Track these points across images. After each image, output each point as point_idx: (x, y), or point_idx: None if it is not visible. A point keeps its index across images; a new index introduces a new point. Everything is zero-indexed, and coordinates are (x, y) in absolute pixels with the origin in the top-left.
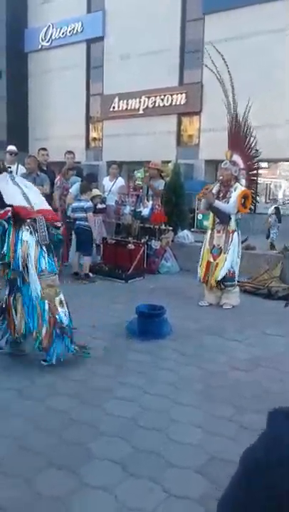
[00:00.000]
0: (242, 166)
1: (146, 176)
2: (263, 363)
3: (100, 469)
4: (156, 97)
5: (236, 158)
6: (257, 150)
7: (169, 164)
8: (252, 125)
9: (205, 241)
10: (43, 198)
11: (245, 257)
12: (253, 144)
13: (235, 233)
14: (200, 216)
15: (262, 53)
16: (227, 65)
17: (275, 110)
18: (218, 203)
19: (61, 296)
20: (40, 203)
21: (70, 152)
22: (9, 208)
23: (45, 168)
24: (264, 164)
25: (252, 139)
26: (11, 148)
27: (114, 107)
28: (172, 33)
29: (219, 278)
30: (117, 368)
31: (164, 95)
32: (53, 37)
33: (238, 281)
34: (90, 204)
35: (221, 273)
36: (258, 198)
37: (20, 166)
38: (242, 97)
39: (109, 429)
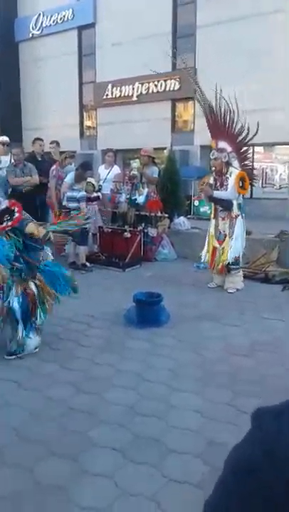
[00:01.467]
0: (230, 149)
1: (144, 159)
2: (261, 347)
3: (100, 456)
4: (149, 83)
5: (222, 144)
6: (241, 125)
7: (164, 151)
8: (233, 108)
9: (209, 228)
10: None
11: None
12: (235, 123)
13: (239, 217)
14: (196, 203)
15: (255, 36)
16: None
17: (269, 94)
18: (217, 193)
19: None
20: None
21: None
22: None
23: (40, 159)
24: (259, 149)
25: (233, 118)
26: (3, 138)
27: (107, 95)
28: (164, 18)
29: (228, 261)
30: (115, 356)
31: (158, 81)
32: (44, 25)
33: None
34: (82, 193)
35: (230, 256)
36: (255, 179)
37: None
38: (235, 81)
39: (108, 416)
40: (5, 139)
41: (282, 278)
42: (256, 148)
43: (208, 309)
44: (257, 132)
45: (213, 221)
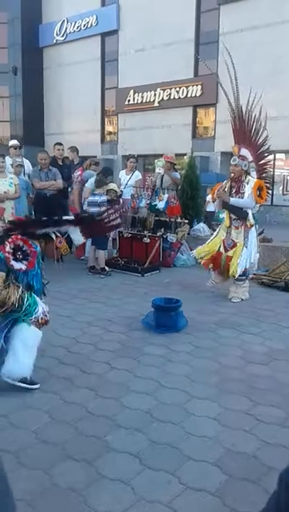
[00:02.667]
0: (251, 158)
1: (166, 165)
2: (279, 356)
3: (117, 462)
4: (171, 89)
5: (244, 152)
6: (267, 137)
7: (185, 157)
8: (262, 115)
9: (219, 232)
10: None
11: (262, 250)
12: (260, 133)
13: (253, 228)
14: (220, 209)
15: (277, 43)
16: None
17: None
18: (234, 200)
19: None
20: None
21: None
22: None
23: (60, 163)
24: (280, 155)
25: (259, 129)
26: (14, 142)
27: (129, 100)
28: (187, 25)
29: (238, 273)
30: (133, 361)
31: (180, 87)
32: (68, 31)
33: (254, 274)
34: (103, 198)
35: (239, 269)
36: (270, 189)
37: (24, 159)
38: (257, 88)
39: (126, 422)
40: (15, 142)
41: None
42: (277, 155)
43: (226, 316)
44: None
45: (224, 229)
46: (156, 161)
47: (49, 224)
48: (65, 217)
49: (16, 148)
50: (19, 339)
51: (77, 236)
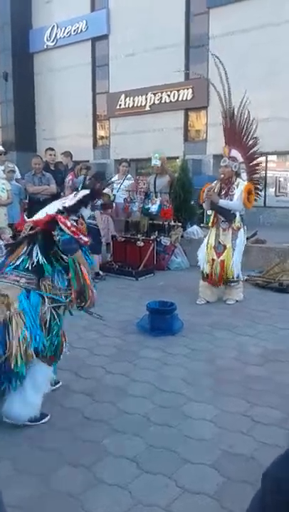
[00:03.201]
0: (241, 160)
1: (158, 167)
2: (275, 357)
3: (115, 466)
4: (162, 93)
5: (234, 153)
6: (256, 138)
7: (177, 160)
8: (251, 117)
9: (208, 238)
10: (58, 206)
11: (256, 251)
12: (251, 134)
13: (241, 229)
14: (209, 212)
15: (268, 46)
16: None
17: (282, 103)
18: (223, 202)
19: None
20: (46, 211)
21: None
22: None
23: (52, 168)
24: (273, 157)
25: (250, 130)
26: None
27: (120, 105)
28: (177, 29)
29: (234, 276)
30: (128, 364)
31: (171, 91)
32: (58, 36)
33: (248, 275)
34: (98, 202)
35: (234, 271)
36: (261, 191)
37: (10, 164)
38: (249, 90)
39: (122, 426)
40: (0, 148)
41: None
42: (270, 157)
43: (221, 318)
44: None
45: (213, 230)
46: (152, 153)
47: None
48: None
49: (0, 154)
50: (28, 377)
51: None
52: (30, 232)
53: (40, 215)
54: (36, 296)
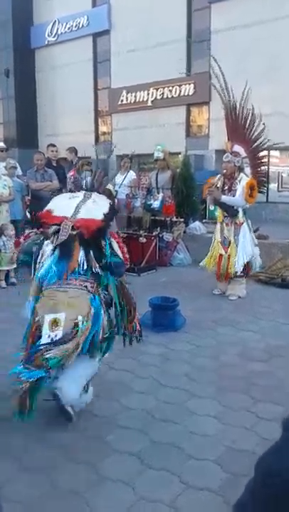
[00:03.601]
0: (244, 154)
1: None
2: (278, 352)
3: (119, 462)
4: (164, 88)
5: (237, 148)
6: (262, 129)
7: (179, 155)
8: (255, 112)
9: (215, 233)
10: (99, 212)
11: (258, 247)
12: (254, 128)
13: (244, 224)
14: (211, 207)
15: (269, 41)
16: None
17: (284, 98)
18: (225, 198)
19: (58, 316)
20: (87, 213)
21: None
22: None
23: (54, 164)
24: (275, 153)
25: (252, 124)
26: (0, 144)
27: (122, 100)
28: (178, 24)
29: (238, 270)
30: (132, 361)
31: (172, 86)
32: (59, 32)
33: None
34: None
35: (238, 266)
36: (265, 185)
37: (11, 161)
38: (251, 85)
39: (126, 422)
40: (1, 145)
41: None
42: (272, 152)
43: (224, 314)
44: (278, 143)
45: (218, 225)
46: (155, 145)
47: None
48: None
49: (2, 151)
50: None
51: None
52: (73, 232)
53: (71, 211)
54: (98, 300)
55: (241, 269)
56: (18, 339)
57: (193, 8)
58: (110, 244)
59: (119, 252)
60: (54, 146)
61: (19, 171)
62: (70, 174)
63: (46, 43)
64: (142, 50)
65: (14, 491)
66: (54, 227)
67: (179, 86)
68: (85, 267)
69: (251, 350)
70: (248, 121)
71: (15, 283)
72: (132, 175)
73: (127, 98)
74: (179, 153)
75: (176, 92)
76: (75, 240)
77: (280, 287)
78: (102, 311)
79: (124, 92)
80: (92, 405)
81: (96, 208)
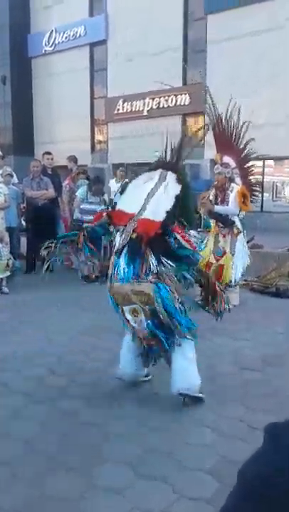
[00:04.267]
0: (234, 165)
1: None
2: (272, 361)
3: (111, 471)
4: (160, 98)
5: (227, 159)
6: (249, 140)
7: None
8: (245, 122)
9: (207, 242)
10: (162, 209)
11: (253, 256)
12: (242, 138)
13: (241, 235)
14: (206, 217)
15: (264, 52)
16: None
17: (278, 108)
18: (218, 208)
19: (133, 306)
20: (152, 209)
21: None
22: (103, 211)
23: (50, 172)
24: (270, 162)
25: (240, 134)
26: None
27: (118, 109)
28: (175, 34)
29: (234, 280)
30: None
31: (168, 96)
32: (56, 41)
33: (245, 280)
34: (103, 207)
35: (236, 276)
36: (258, 193)
37: (8, 168)
38: (246, 95)
39: (119, 430)
40: None
41: None
42: (267, 162)
43: (218, 323)
44: (265, 157)
45: (212, 237)
46: (153, 151)
47: None
48: None
49: None
50: (180, 354)
51: None
52: (135, 235)
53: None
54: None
55: (236, 279)
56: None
57: (189, 18)
58: (176, 238)
59: (186, 244)
60: (50, 153)
61: (15, 179)
62: (66, 183)
63: (43, 51)
64: (139, 59)
65: (5, 499)
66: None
67: (175, 96)
68: (154, 264)
69: (246, 359)
70: (235, 132)
71: (7, 292)
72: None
73: (123, 107)
74: None
75: (172, 101)
76: (140, 241)
77: (274, 296)
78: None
79: (120, 101)
80: (84, 412)
81: (165, 198)
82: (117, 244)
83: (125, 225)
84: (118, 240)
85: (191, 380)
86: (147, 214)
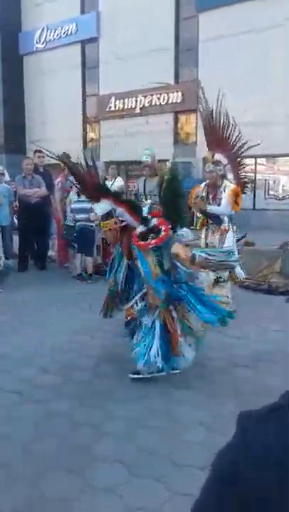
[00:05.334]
0: (225, 162)
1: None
2: (264, 358)
3: (105, 470)
4: (152, 95)
5: (218, 156)
6: (238, 136)
7: (167, 163)
8: (234, 120)
9: (200, 239)
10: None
11: (245, 253)
12: (233, 135)
13: (230, 231)
14: (198, 215)
15: (257, 50)
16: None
17: (271, 106)
18: (211, 208)
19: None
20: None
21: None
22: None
23: (41, 170)
24: (262, 160)
25: (231, 131)
26: None
27: (110, 107)
28: (167, 32)
29: (221, 276)
30: (118, 368)
31: (160, 94)
32: (48, 39)
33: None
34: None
35: (224, 272)
36: (249, 190)
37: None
38: (238, 94)
39: (112, 430)
40: None
41: (285, 289)
42: (259, 160)
43: None
44: (258, 144)
45: (203, 232)
46: (143, 149)
47: None
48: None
49: None
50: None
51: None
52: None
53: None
54: None
55: (226, 275)
56: None
57: (181, 17)
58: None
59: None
60: (41, 151)
61: (7, 177)
62: (58, 180)
63: (35, 49)
64: (131, 57)
65: (1, 500)
66: None
67: (167, 94)
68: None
69: (238, 356)
70: (226, 129)
71: (0, 291)
72: (119, 181)
73: (115, 105)
74: (167, 160)
75: (164, 99)
76: None
77: (266, 293)
78: None
79: (112, 99)
80: (78, 412)
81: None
82: None
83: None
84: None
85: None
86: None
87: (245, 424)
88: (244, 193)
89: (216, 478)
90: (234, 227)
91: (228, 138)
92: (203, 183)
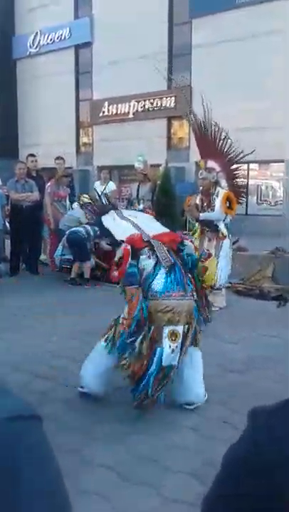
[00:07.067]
0: (218, 169)
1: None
2: (257, 364)
3: (95, 476)
4: (145, 100)
5: (211, 163)
6: (231, 144)
7: (160, 167)
8: (222, 127)
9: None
10: (158, 223)
11: (237, 259)
12: (226, 143)
13: (226, 238)
14: (193, 221)
15: (250, 56)
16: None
17: (263, 112)
18: (204, 215)
19: (176, 328)
20: (156, 228)
21: (59, 158)
22: (126, 246)
23: (34, 175)
24: (254, 165)
25: (223, 138)
26: None
27: (104, 112)
28: (160, 37)
29: (218, 283)
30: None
31: (154, 99)
32: (41, 43)
33: (230, 283)
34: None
35: (222, 279)
36: (244, 197)
37: None
38: (231, 100)
39: (103, 434)
40: None
41: (277, 294)
42: (251, 166)
43: (204, 325)
44: (252, 152)
45: (197, 239)
46: (137, 155)
47: None
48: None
49: None
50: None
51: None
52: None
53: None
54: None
55: (222, 282)
56: None
57: (174, 22)
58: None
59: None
60: (34, 156)
61: None
62: (48, 185)
63: (28, 53)
64: (124, 62)
65: None
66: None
67: (160, 99)
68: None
69: (231, 361)
70: (217, 136)
71: None
72: (111, 185)
73: (108, 110)
74: (160, 165)
75: (157, 104)
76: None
77: (258, 298)
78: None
79: (105, 104)
80: (68, 417)
81: (150, 221)
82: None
83: (143, 247)
84: (151, 261)
85: (198, 389)
86: (151, 231)
87: (257, 419)
88: (239, 202)
89: (227, 473)
90: (230, 235)
91: (220, 146)
92: (195, 194)
